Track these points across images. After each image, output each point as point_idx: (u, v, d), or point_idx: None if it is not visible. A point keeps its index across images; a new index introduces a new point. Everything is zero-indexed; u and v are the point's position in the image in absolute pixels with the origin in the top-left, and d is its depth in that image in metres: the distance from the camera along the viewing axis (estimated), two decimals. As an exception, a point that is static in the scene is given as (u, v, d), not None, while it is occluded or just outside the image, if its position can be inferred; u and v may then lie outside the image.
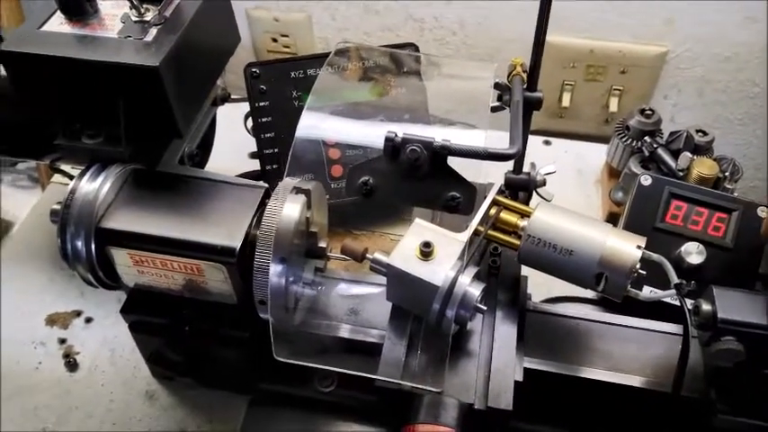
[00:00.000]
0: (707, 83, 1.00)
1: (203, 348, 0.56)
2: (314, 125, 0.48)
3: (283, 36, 1.03)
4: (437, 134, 0.49)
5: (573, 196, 0.83)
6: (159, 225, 0.52)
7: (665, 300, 0.52)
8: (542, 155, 0.89)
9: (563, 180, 0.85)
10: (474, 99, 0.52)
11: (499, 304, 0.58)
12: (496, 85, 0.55)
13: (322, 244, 0.54)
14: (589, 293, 0.65)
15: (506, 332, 0.56)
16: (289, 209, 0.49)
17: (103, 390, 0.64)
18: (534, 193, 0.62)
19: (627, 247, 0.50)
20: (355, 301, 0.60)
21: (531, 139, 0.94)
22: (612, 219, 0.78)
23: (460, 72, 0.57)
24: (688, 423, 0.53)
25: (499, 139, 0.48)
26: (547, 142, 0.91)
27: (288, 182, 0.51)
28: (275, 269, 0.48)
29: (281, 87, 0.71)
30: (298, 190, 0.51)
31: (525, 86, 0.55)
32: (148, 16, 0.55)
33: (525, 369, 0.55)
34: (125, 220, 0.52)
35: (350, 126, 0.49)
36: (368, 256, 0.54)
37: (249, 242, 0.50)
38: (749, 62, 0.97)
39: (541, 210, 0.53)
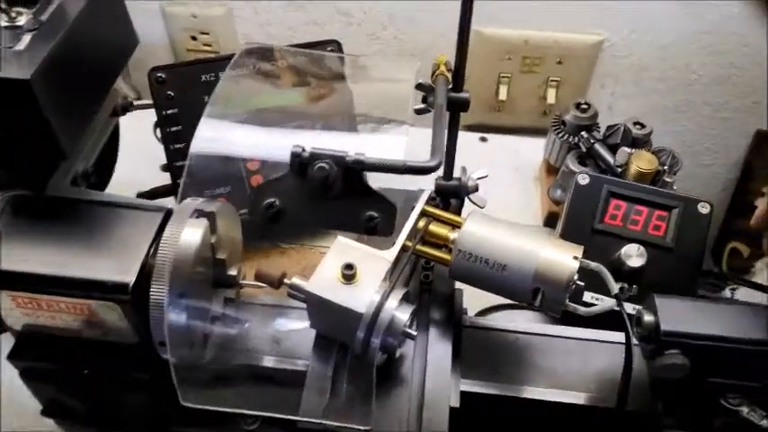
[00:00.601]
0: (644, 71, 0.98)
1: (105, 393, 0.50)
2: (213, 138, 0.42)
3: (203, 34, 0.97)
4: (356, 144, 0.44)
5: (511, 196, 0.80)
6: (41, 261, 0.45)
7: (607, 306, 0.49)
8: (478, 153, 0.86)
9: (500, 179, 0.82)
10: (395, 102, 0.47)
11: (433, 323, 0.53)
12: (419, 86, 0.50)
13: (232, 272, 0.49)
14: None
15: (440, 354, 0.52)
16: (188, 235, 0.44)
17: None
18: (467, 199, 0.58)
19: (563, 259, 0.47)
20: (277, 330, 0.54)
21: (466, 136, 0.90)
22: (552, 218, 0.75)
23: (382, 72, 0.52)
24: (635, 439, 0.50)
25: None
26: (483, 139, 0.87)
27: (187, 204, 0.46)
28: (174, 305, 0.43)
29: (190, 93, 0.65)
30: (199, 213, 0.45)
31: (450, 87, 0.50)
32: (21, 21, 0.48)
33: (462, 393, 0.51)
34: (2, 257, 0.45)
35: (258, 138, 0.43)
36: (285, 281, 0.49)
37: (145, 275, 0.45)
38: (685, 49, 0.95)
39: (472, 221, 0.49)
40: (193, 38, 0.97)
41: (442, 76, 0.49)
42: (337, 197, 0.39)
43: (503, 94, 0.98)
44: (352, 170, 0.38)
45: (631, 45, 0.95)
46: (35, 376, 0.50)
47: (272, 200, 0.40)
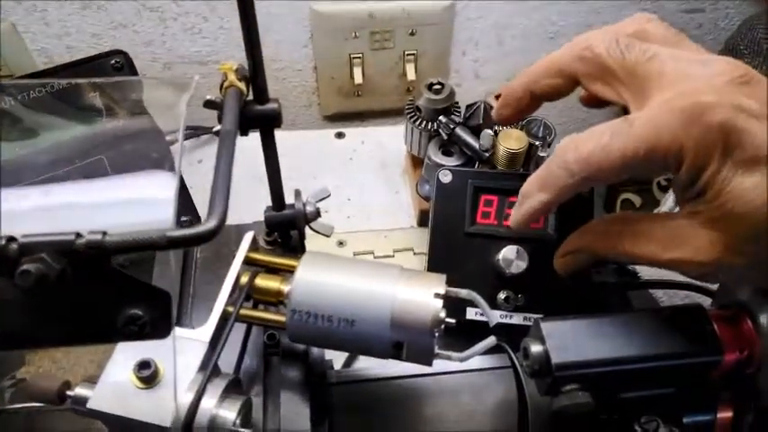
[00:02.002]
0: (503, 29, 0.90)
1: None
2: None
3: (-11, 59, 0.79)
4: (110, 197, 0.32)
5: (380, 196, 0.70)
6: None
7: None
8: (336, 152, 0.74)
9: (365, 177, 0.71)
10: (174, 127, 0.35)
11: (286, 390, 0.43)
12: (208, 104, 0.38)
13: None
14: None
15: (298, 428, 0.41)
16: None
17: None
18: (309, 228, 0.47)
19: (422, 298, 0.37)
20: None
21: (320, 134, 0.79)
22: (425, 217, 0.65)
23: (154, 94, 0.40)
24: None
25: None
26: (339, 135, 0.76)
27: None
28: None
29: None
30: None
31: (249, 99, 0.39)
32: None
33: (335, 475, 0.40)
34: None
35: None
36: (69, 393, 0.36)
37: None
38: (538, -1, 0.87)
39: (303, 269, 0.38)
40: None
41: (233, 89, 0.37)
42: (75, 299, 0.27)
43: (358, 77, 0.87)
44: (89, 259, 0.26)
45: (484, 5, 0.87)
46: None
47: (-23, 317, 0.27)
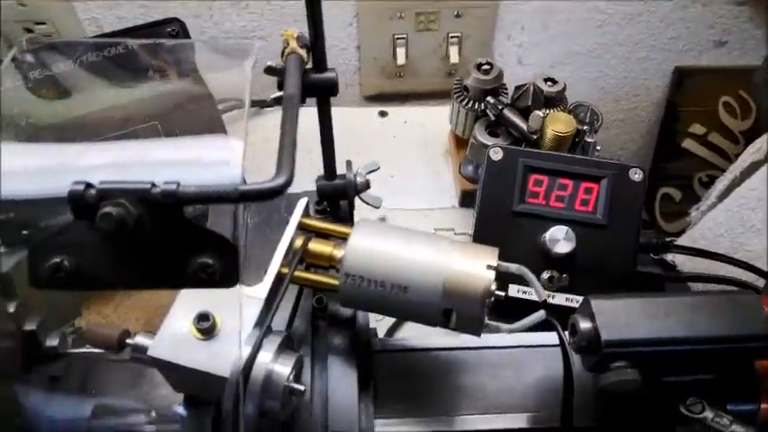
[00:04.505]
0: (549, 14, 0.89)
1: None
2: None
3: (39, 24, 0.81)
4: (178, 159, 0.33)
5: (421, 176, 0.70)
6: None
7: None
8: (379, 131, 0.75)
9: (407, 156, 0.72)
10: (231, 94, 0.36)
11: (333, 355, 0.44)
12: (269, 70, 0.38)
13: (52, 342, 0.37)
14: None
15: (346, 392, 0.42)
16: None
17: None
18: (358, 199, 0.48)
19: (475, 270, 0.37)
20: (140, 391, 0.43)
21: (363, 112, 0.80)
22: (468, 198, 0.65)
23: (214, 59, 0.40)
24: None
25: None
26: (382, 113, 0.77)
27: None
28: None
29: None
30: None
31: (310, 66, 0.39)
32: None
33: (377, 439, 0.41)
34: None
35: (35, 165, 0.31)
36: (128, 341, 0.38)
37: None
38: (591, -15, 0.86)
39: (358, 235, 0.39)
40: (29, 30, 0.81)
41: (294, 56, 0.37)
42: (150, 244, 0.28)
43: (401, 58, 0.87)
44: (164, 207, 0.27)
45: (533, -12, 0.86)
46: None
47: (59, 259, 0.28)
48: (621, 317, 0.38)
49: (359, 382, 0.42)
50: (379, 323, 0.49)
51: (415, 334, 0.49)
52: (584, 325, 0.38)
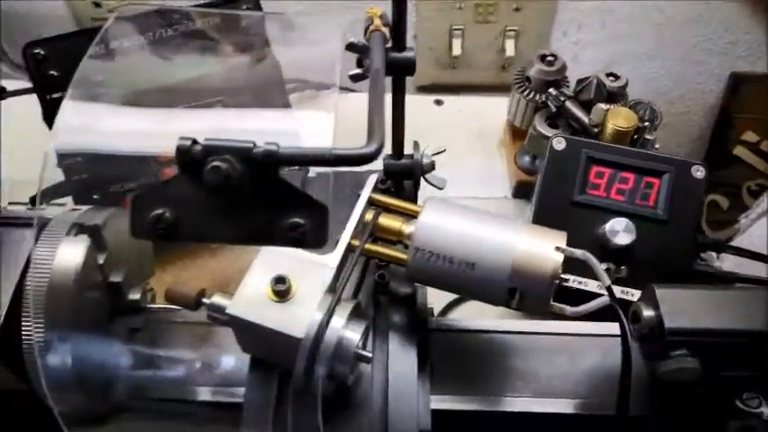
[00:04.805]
0: (608, 14, 0.89)
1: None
2: (81, 129, 0.32)
3: (107, -1, 0.83)
4: (273, 125, 0.34)
5: (475, 166, 0.71)
6: None
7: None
8: (434, 119, 0.76)
9: (461, 147, 0.73)
10: (319, 69, 0.37)
11: (393, 331, 0.45)
12: (351, 47, 0.40)
13: (134, 295, 0.39)
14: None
15: (404, 368, 0.43)
16: (64, 257, 0.34)
17: None
18: (423, 180, 0.49)
19: (544, 251, 0.38)
20: (204, 356, 0.45)
21: (418, 99, 0.81)
22: (522, 189, 0.66)
23: (303, 32, 0.42)
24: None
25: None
26: (438, 102, 0.78)
27: (62, 217, 0.36)
28: (53, 344, 0.33)
29: (80, 71, 0.53)
30: (79, 228, 0.35)
31: (390, 45, 0.40)
32: None
33: (433, 412, 0.42)
34: None
35: (139, 124, 0.33)
36: (205, 300, 0.39)
37: (17, 309, 0.35)
38: (651, -14, 0.86)
39: (429, 211, 0.40)
40: (97, 4, 0.83)
41: (378, 33, 0.38)
42: (247, 202, 0.29)
43: (456, 49, 0.88)
44: (264, 166, 0.28)
45: (594, -14, 0.86)
46: None
47: (161, 211, 0.30)
48: (685, 306, 0.38)
49: (418, 357, 0.43)
50: (433, 303, 0.50)
51: (469, 315, 0.50)
52: (648, 313, 0.39)
